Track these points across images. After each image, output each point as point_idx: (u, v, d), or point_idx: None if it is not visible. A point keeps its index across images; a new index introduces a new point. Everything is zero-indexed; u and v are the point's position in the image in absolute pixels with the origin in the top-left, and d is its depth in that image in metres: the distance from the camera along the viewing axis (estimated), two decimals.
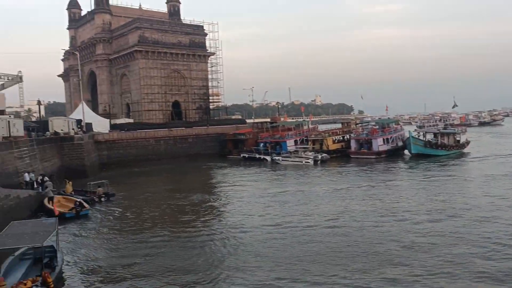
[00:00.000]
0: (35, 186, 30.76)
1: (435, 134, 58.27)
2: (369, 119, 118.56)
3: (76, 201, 27.95)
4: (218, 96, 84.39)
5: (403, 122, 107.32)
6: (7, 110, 72.96)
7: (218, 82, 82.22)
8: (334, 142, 59.83)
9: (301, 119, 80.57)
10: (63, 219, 25.18)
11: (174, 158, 58.74)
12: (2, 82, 69.91)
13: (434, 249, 17.28)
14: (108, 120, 64.24)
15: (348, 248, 17.87)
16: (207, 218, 24.95)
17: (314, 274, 15.06)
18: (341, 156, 56.65)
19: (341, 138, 62.13)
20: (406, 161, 51.40)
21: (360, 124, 71.25)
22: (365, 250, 17.44)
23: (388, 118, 68.13)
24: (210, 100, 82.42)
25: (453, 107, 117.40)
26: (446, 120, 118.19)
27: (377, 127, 60.62)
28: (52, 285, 13.61)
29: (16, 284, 13.22)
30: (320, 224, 21.92)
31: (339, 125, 73.38)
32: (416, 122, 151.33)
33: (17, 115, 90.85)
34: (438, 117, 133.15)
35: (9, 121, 40.63)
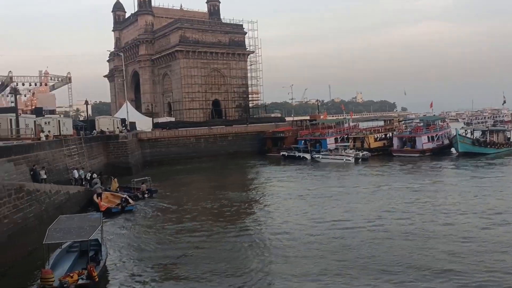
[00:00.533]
0: (84, 182, 32.12)
1: (483, 132, 55.55)
2: (413, 116, 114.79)
3: (122, 197, 29.01)
4: (257, 94, 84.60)
5: (449, 119, 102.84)
6: (57, 109, 76.78)
7: (257, 80, 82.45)
8: (376, 140, 58.39)
9: (342, 117, 79.19)
10: (109, 213, 26.53)
11: (214, 156, 59.49)
12: (52, 83, 73.72)
13: (486, 257, 16.12)
14: (151, 118, 65.99)
15: (394, 256, 16.53)
16: (246, 217, 24.94)
17: (361, 284, 14.08)
18: (383, 154, 55.22)
19: (383, 136, 60.55)
20: (452, 159, 49.30)
21: (403, 122, 69.09)
22: (413, 258, 16.20)
23: (433, 115, 65.50)
24: (250, 99, 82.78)
25: (503, 103, 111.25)
26: (496, 117, 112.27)
27: (421, 124, 58.56)
28: (97, 279, 14.08)
29: (63, 276, 13.76)
30: (363, 227, 20.86)
31: (381, 123, 71.46)
32: (464, 119, 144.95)
33: (66, 114, 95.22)
34: (488, 114, 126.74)
35: (59, 120, 42.73)
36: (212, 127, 64.30)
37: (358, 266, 15.67)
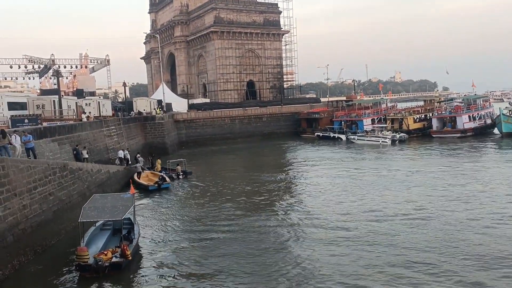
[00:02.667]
0: (130, 162, 33.08)
1: None
2: (455, 96, 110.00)
3: (160, 175, 29.91)
4: (292, 75, 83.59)
5: (494, 99, 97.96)
6: (97, 91, 79.22)
7: (292, 61, 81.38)
8: (415, 121, 56.57)
9: (379, 97, 77.10)
10: (147, 191, 27.72)
11: (249, 137, 59.74)
12: (92, 66, 75.80)
13: None
14: (186, 100, 66.87)
15: (436, 249, 15.07)
16: (279, 200, 24.68)
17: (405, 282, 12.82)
18: (422, 135, 53.56)
19: (423, 116, 58.55)
20: (495, 141, 47.14)
21: (444, 102, 66.49)
22: (456, 251, 14.80)
23: (475, 94, 62.50)
24: (284, 79, 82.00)
25: None
26: None
27: (462, 104, 56.20)
28: (130, 257, 14.53)
29: (97, 254, 14.26)
30: (399, 215, 19.60)
31: (421, 103, 69.07)
32: (509, 98, 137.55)
33: (105, 96, 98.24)
34: None
35: (99, 102, 44.17)
36: (246, 108, 64.39)
37: (396, 259, 14.46)
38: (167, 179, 29.84)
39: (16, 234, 14.89)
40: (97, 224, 17.13)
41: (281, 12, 79.24)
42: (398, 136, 50.11)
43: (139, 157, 32.99)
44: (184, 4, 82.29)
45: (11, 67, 64.25)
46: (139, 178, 30.02)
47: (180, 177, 32.33)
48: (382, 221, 18.93)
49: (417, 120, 57.22)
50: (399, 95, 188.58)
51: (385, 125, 55.13)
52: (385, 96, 75.37)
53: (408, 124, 55.21)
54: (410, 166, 33.34)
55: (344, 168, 34.04)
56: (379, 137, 50.24)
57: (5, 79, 72.07)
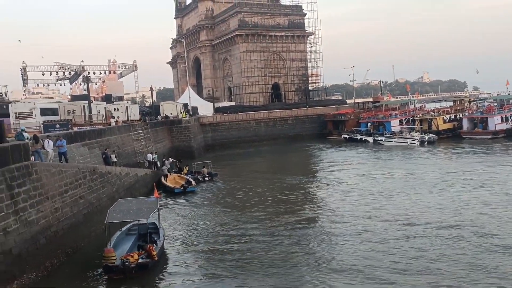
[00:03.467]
0: (159, 165, 33.60)
1: None
2: (486, 96, 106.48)
3: (187, 179, 30.21)
4: (317, 76, 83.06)
5: None
6: (125, 96, 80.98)
7: (317, 63, 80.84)
8: (444, 121, 55.04)
9: (407, 98, 75.49)
10: (173, 193, 28.11)
11: (274, 139, 59.60)
12: (120, 71, 77.68)
13: None
14: (212, 103, 67.43)
15: (469, 260, 14.23)
16: (305, 203, 24.33)
17: None
18: (452, 136, 52.06)
19: (453, 117, 56.90)
20: None
21: (474, 102, 64.41)
22: (490, 264, 13.78)
23: (509, 94, 60.30)
24: (309, 81, 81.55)
25: None
26: None
27: (494, 104, 54.27)
28: (156, 258, 14.73)
29: (124, 255, 14.53)
30: (430, 222, 18.56)
31: (450, 104, 67.16)
32: None
33: (133, 100, 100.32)
34: None
35: (127, 107, 45.12)
36: (271, 110, 64.31)
37: (426, 266, 13.87)
38: (193, 182, 30.06)
39: (48, 237, 15.27)
40: (123, 228, 17.41)
41: (306, 14, 78.91)
42: (427, 137, 48.89)
43: (165, 160, 33.46)
44: (209, 8, 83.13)
45: (43, 74, 66.55)
46: (166, 181, 30.41)
47: (206, 179, 32.52)
48: (413, 227, 18.30)
49: (447, 120, 55.66)
50: (427, 95, 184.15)
51: (413, 126, 53.89)
52: (412, 96, 73.54)
53: (438, 125, 53.77)
54: (440, 168, 32.38)
55: (372, 171, 33.43)
56: (407, 138, 49.17)
57: (38, 85, 74.74)
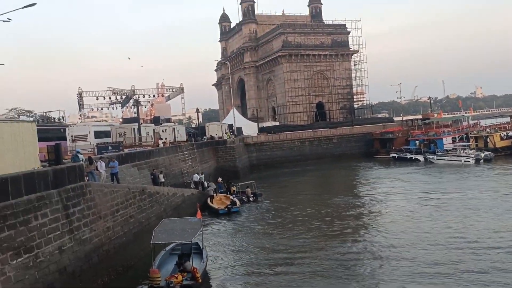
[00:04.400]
0: (206, 185, 34.01)
1: None
2: None
3: (232, 199, 30.27)
4: (362, 94, 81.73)
5: None
6: (172, 118, 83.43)
7: (362, 80, 79.67)
8: (502, 138, 51.90)
9: (459, 114, 72.20)
10: (217, 214, 28.11)
11: (319, 158, 58.74)
12: (168, 94, 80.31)
13: None
14: (256, 123, 67.85)
15: None
16: (352, 225, 23.35)
17: None
18: (511, 154, 48.91)
19: (511, 133, 53.55)
20: None
21: None
22: None
23: None
24: (354, 99, 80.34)
25: None
26: None
27: None
28: (200, 280, 14.61)
29: (168, 277, 14.54)
30: (489, 248, 17.23)
31: (507, 119, 63.44)
32: None
33: (180, 122, 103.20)
34: None
35: (174, 128, 46.28)
36: (316, 129, 63.70)
37: None
38: (237, 202, 30.02)
39: (101, 255, 15.65)
40: (167, 248, 17.51)
41: (349, 32, 78.43)
42: (482, 155, 46.25)
43: (211, 182, 33.76)
44: (253, 31, 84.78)
45: (97, 98, 70.13)
46: (212, 202, 30.58)
47: (251, 199, 32.41)
48: (471, 253, 17.04)
49: (505, 137, 52.45)
50: (481, 111, 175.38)
51: (468, 143, 51.25)
52: (465, 113, 70.28)
53: (495, 142, 50.78)
54: (498, 188, 30.38)
55: (424, 191, 31.86)
56: (461, 156, 46.72)
57: (92, 109, 78.68)
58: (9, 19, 24.10)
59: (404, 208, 26.38)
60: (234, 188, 34.02)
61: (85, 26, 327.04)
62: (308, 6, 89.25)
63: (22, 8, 23.88)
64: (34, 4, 23.82)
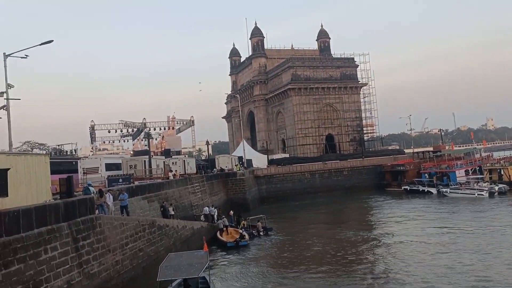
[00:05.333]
0: (215, 219, 33.73)
1: None
2: None
3: (241, 233, 29.93)
4: (372, 126, 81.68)
5: None
6: (182, 150, 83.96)
7: (372, 113, 79.89)
8: None
9: (471, 146, 71.50)
10: (226, 247, 27.79)
11: (330, 191, 58.12)
12: (178, 127, 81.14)
13: None
14: (266, 155, 67.85)
15: None
16: (365, 263, 22.54)
17: None
18: None
19: None
20: None
21: None
22: None
23: None
24: (364, 131, 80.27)
25: None
26: None
27: None
28: None
29: None
30: (505, 281, 17.08)
31: None
32: None
33: (190, 154, 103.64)
34: None
35: (184, 160, 46.45)
36: (326, 162, 63.38)
37: None
38: (246, 236, 29.74)
39: None
40: (173, 284, 17.16)
41: (358, 65, 79.40)
42: (496, 188, 45.40)
43: (223, 217, 33.53)
44: (262, 65, 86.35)
45: (109, 131, 71.03)
46: (221, 235, 30.30)
47: (261, 233, 31.98)
48: None
49: None
50: (493, 143, 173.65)
51: (482, 176, 50.45)
52: (478, 145, 69.58)
53: (510, 175, 49.89)
54: None
55: (439, 225, 31.12)
56: (475, 189, 45.89)
57: (104, 142, 79.64)
58: (26, 55, 24.86)
59: (418, 243, 25.71)
60: (244, 222, 33.70)
61: (101, 62, 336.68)
62: (316, 40, 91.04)
63: (40, 45, 24.73)
64: (51, 41, 24.69)
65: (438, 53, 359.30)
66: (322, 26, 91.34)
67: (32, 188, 14.78)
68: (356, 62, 79.58)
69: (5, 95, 24.83)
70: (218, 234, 30.37)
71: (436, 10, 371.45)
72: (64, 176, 17.32)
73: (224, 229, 31.49)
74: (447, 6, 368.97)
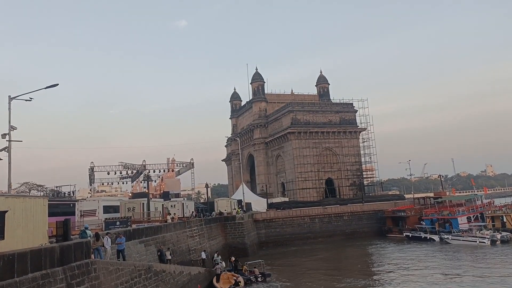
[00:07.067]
0: (215, 264, 32.92)
1: None
2: None
3: (235, 280, 29.44)
4: (372, 171, 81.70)
5: None
6: (181, 193, 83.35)
7: (371, 157, 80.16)
8: None
9: (471, 193, 71.10)
10: None
11: (330, 236, 57.18)
12: (178, 169, 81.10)
13: None
14: (265, 199, 67.33)
15: None
16: None
17: None
18: None
19: None
20: None
21: None
22: None
23: None
24: (364, 176, 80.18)
25: None
26: None
27: None
28: None
29: None
30: None
31: None
32: None
33: (189, 197, 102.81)
34: None
35: (183, 203, 46.07)
36: (326, 206, 62.80)
37: None
38: (242, 282, 29.18)
39: None
40: None
41: (357, 111, 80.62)
42: (499, 236, 44.71)
43: (220, 259, 32.84)
44: (263, 109, 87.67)
45: (108, 173, 71.00)
46: (218, 280, 29.56)
47: (259, 279, 31.20)
48: None
49: None
50: (494, 189, 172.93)
51: (484, 224, 49.79)
52: (478, 191, 69.25)
53: None
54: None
55: (441, 274, 30.36)
56: (477, 237, 45.16)
57: (102, 184, 79.38)
58: (31, 98, 25.27)
59: None
60: (245, 267, 33.03)
61: (102, 106, 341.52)
62: (316, 86, 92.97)
63: (45, 88, 25.23)
64: (57, 84, 25.20)
65: (437, 100, 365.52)
66: (321, 72, 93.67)
67: (29, 231, 14.55)
68: (354, 107, 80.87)
69: (7, 136, 24.99)
70: (214, 280, 29.57)
71: (435, 59, 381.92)
72: (61, 218, 17.10)
73: (221, 274, 30.72)
74: (445, 57, 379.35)
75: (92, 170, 69.15)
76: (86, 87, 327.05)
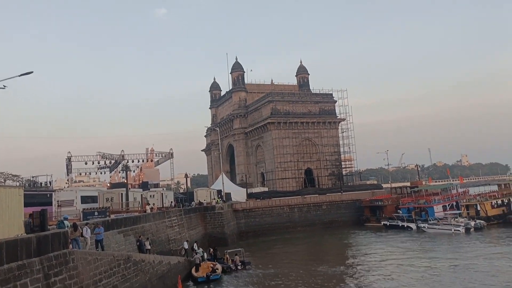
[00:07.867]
0: (194, 254, 32.91)
1: None
2: None
3: (212, 267, 29.54)
4: (350, 161, 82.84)
5: None
6: (161, 183, 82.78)
7: (350, 148, 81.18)
8: (493, 207, 52.18)
9: (448, 182, 73.03)
10: (196, 282, 27.43)
11: (309, 225, 57.83)
12: (157, 159, 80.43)
13: None
14: (245, 189, 67.49)
15: None
16: None
17: None
18: (503, 222, 48.88)
19: (501, 202, 53.88)
20: None
21: None
22: None
23: None
24: (343, 166, 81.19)
25: None
26: None
27: None
28: None
29: None
30: None
31: (494, 187, 64.22)
32: None
33: (168, 187, 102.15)
34: None
35: (162, 193, 45.74)
36: (305, 196, 63.41)
37: None
38: (219, 269, 29.36)
39: None
40: None
41: (336, 101, 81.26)
42: (472, 224, 46.15)
43: (197, 250, 32.85)
44: (242, 99, 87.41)
45: (86, 163, 69.75)
46: (197, 270, 29.64)
47: (239, 267, 31.45)
48: None
49: (495, 205, 52.75)
50: (468, 179, 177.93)
51: (459, 212, 51.27)
52: (454, 180, 71.16)
53: (486, 210, 50.94)
54: (489, 258, 29.94)
55: (418, 262, 31.19)
56: (451, 225, 46.51)
57: (80, 174, 77.97)
58: (4, 86, 24.48)
59: (397, 279, 25.66)
60: (227, 256, 33.15)
61: (78, 96, 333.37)
62: (296, 76, 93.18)
63: (19, 75, 24.45)
64: (31, 72, 24.45)
65: (415, 93, 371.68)
66: (301, 62, 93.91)
67: (4, 222, 14.19)
68: (334, 98, 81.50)
69: None
70: (193, 270, 29.64)
71: (414, 54, 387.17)
72: (38, 209, 16.73)
73: (201, 263, 30.78)
74: (424, 52, 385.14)
75: (69, 160, 67.76)
76: (64, 78, 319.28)
